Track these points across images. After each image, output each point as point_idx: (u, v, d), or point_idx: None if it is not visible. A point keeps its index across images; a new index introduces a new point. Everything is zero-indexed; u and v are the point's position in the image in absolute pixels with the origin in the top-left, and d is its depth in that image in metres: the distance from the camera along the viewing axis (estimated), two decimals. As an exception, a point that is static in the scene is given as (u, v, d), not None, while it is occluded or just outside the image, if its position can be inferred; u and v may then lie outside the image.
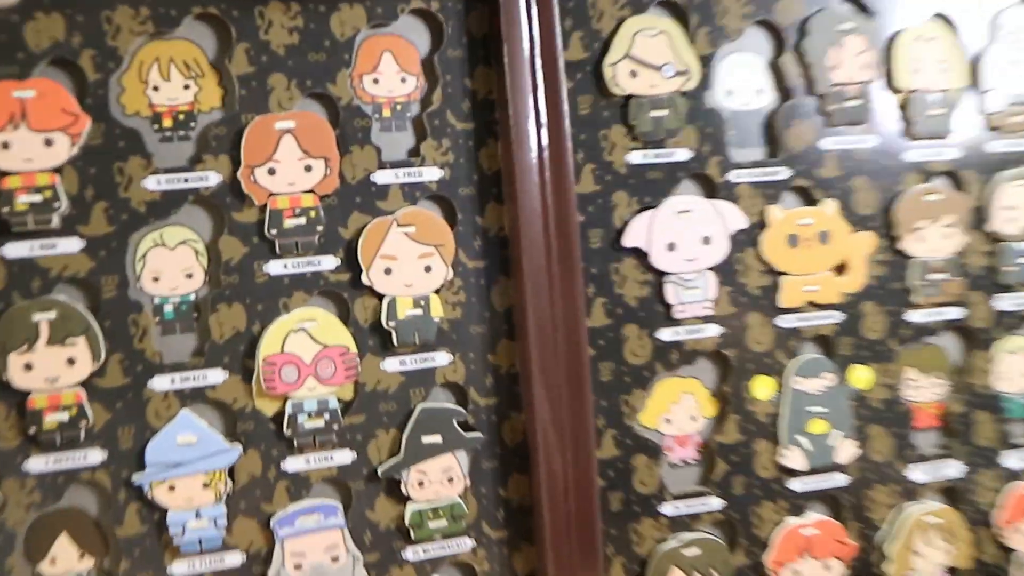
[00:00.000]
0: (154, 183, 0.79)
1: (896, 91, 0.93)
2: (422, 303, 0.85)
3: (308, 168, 0.82)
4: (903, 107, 0.93)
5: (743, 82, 0.92)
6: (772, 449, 0.92)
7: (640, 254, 0.89)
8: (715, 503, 0.91)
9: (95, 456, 0.78)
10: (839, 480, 0.92)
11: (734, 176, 0.90)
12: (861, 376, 0.92)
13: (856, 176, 0.92)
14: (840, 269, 0.92)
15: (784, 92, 0.92)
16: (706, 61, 0.90)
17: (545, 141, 0.85)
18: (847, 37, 0.91)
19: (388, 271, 0.84)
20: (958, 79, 0.95)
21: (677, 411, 0.91)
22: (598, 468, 0.88)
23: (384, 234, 0.84)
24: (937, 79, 0.94)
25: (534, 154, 0.84)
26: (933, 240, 0.93)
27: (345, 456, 0.83)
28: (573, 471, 0.86)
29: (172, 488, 0.79)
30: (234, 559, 0.81)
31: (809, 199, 0.92)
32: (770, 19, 0.91)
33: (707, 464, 0.92)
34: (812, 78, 0.91)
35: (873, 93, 0.93)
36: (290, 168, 0.81)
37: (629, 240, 0.88)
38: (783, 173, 0.91)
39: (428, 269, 0.85)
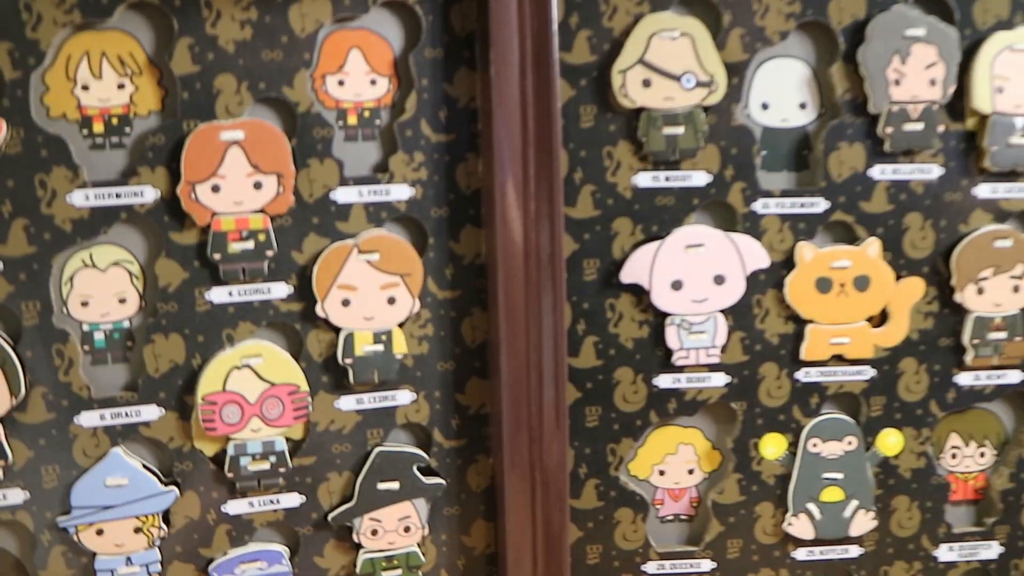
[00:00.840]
0: (82, 198, 0.70)
1: (972, 113, 0.77)
2: (383, 338, 0.75)
3: (258, 185, 0.72)
4: (979, 133, 0.77)
5: (782, 94, 0.77)
6: (776, 514, 0.81)
7: (640, 291, 0.77)
8: (706, 566, 0.82)
9: (16, 496, 0.72)
10: (852, 553, 0.82)
11: (760, 206, 0.77)
12: (891, 442, 0.80)
13: (910, 213, 0.77)
14: (879, 320, 0.79)
15: (831, 108, 0.77)
16: (737, 69, 0.75)
17: (533, 158, 0.73)
18: (915, 45, 0.74)
19: (346, 303, 0.74)
20: (1054, 101, 0.78)
21: (673, 462, 0.82)
22: (575, 518, 0.80)
23: (343, 261, 0.74)
24: (1022, 100, 0.77)
25: (519, 173, 0.73)
26: (997, 293, 0.78)
27: (292, 500, 0.77)
28: (544, 521, 0.78)
29: (100, 532, 0.74)
30: (168, 607, 0.76)
31: (849, 237, 0.78)
32: (821, 20, 0.75)
33: (701, 522, 0.83)
34: (867, 93, 0.75)
35: (942, 114, 0.77)
36: (237, 185, 0.71)
37: (628, 275, 0.77)
38: (820, 205, 0.77)
39: (392, 301, 0.75)
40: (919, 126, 0.76)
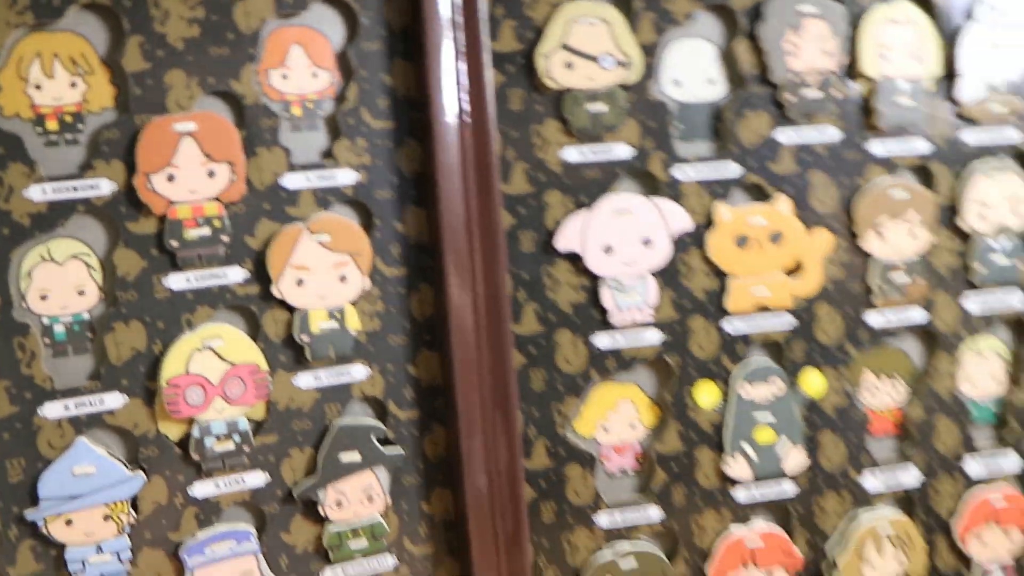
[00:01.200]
0: (39, 193, 0.72)
1: (862, 78, 0.85)
2: (337, 315, 0.79)
3: (211, 173, 0.75)
4: (868, 96, 0.85)
5: (692, 71, 0.84)
6: (715, 458, 0.87)
7: (575, 258, 0.83)
8: (654, 513, 0.87)
9: (-19, 491, 0.74)
10: (786, 489, 0.88)
11: (679, 173, 0.84)
12: (814, 382, 0.87)
13: (814, 171, 0.85)
14: (794, 271, 0.86)
15: (737, 82, 0.84)
16: (650, 50, 0.82)
17: (469, 140, 0.78)
18: (807, 20, 0.83)
19: (300, 282, 0.78)
20: (931, 66, 0.87)
21: (615, 419, 0.87)
22: (528, 479, 0.85)
23: (295, 243, 0.77)
24: (907, 66, 0.86)
25: (457, 155, 0.78)
26: (896, 239, 0.87)
27: (257, 478, 0.79)
28: (499, 483, 0.82)
29: (69, 522, 0.74)
30: (140, 592, 0.78)
31: (762, 197, 0.85)
32: (722, 2, 0.83)
33: (646, 474, 0.88)
34: (767, 66, 0.83)
35: (835, 82, 0.85)
36: (191, 174, 0.75)
37: (562, 243, 0.82)
38: (733, 169, 0.84)
39: (343, 279, 0.79)
40: (816, 93, 0.84)
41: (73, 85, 0.74)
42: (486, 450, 0.81)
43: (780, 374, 0.86)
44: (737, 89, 0.84)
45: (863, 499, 0.90)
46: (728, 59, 0.84)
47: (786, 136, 0.85)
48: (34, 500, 0.74)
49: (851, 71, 0.85)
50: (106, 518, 0.76)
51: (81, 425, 0.75)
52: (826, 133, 0.85)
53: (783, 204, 0.84)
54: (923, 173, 0.89)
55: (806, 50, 0.83)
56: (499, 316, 0.80)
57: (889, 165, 0.87)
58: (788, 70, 0.83)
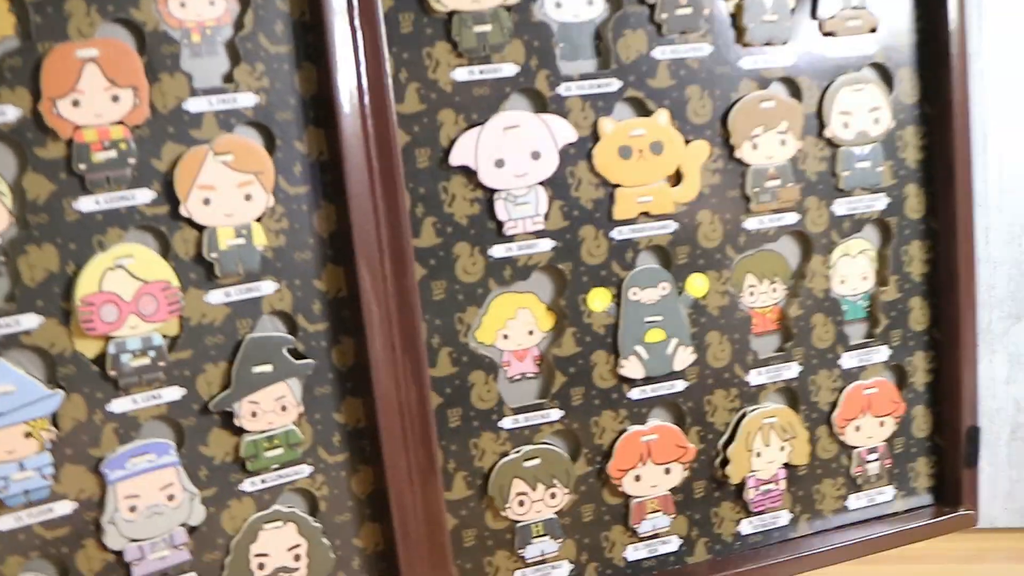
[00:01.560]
0: (-55, 121, 0.75)
1: (729, -3, 0.92)
2: (244, 232, 0.83)
3: (115, 98, 0.78)
4: (736, 14, 0.92)
5: (570, -8, 0.90)
6: (610, 360, 0.93)
7: (469, 172, 0.88)
8: (555, 415, 0.92)
9: (-98, 409, 0.76)
10: (678, 387, 0.95)
11: (564, 90, 0.89)
12: (698, 285, 0.93)
13: (689, 85, 0.91)
14: (675, 179, 0.92)
15: (614, 2, 0.90)
16: (530, -29, 0.87)
17: (364, 62, 0.82)
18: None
19: (207, 201, 0.81)
20: (792, -19, 0.94)
21: (514, 326, 0.92)
22: (434, 386, 0.90)
23: (200, 164, 0.81)
24: (770, -17, 0.92)
25: (352, 76, 0.82)
26: (768, 147, 0.93)
27: (174, 393, 0.82)
28: (407, 391, 0.87)
29: (-10, 439, 0.78)
30: (64, 508, 0.80)
31: (642, 110, 0.91)
32: (596, -76, 0.89)
33: (546, 377, 0.93)
34: (642, -15, 0.89)
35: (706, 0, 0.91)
36: (95, 99, 0.78)
37: (456, 158, 0.87)
38: (614, 85, 0.90)
39: (248, 197, 0.83)
40: (688, 11, 0.90)
41: (-27, 15, 0.76)
42: (393, 359, 0.86)
43: (667, 278, 0.92)
44: (615, 9, 0.90)
45: (749, 394, 0.97)
46: (605, -20, 0.90)
47: (663, 53, 0.91)
48: (-46, 417, 0.77)
49: (719, -10, 0.92)
50: (27, 435, 0.78)
51: (-1, 346, 0.78)
52: (700, 49, 0.91)
53: (662, 116, 0.90)
54: (790, 85, 0.95)
55: (677, -31, 0.90)
56: (399, 230, 0.85)
57: (759, 78, 0.94)
58: (661, -11, 0.89)
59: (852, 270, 0.98)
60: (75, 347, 0.80)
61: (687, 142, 0.91)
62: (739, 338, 0.96)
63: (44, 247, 0.78)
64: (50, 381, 0.79)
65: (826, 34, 0.94)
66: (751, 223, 0.94)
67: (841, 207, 0.97)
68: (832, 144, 0.96)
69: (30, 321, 0.78)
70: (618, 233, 0.91)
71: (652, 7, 0.89)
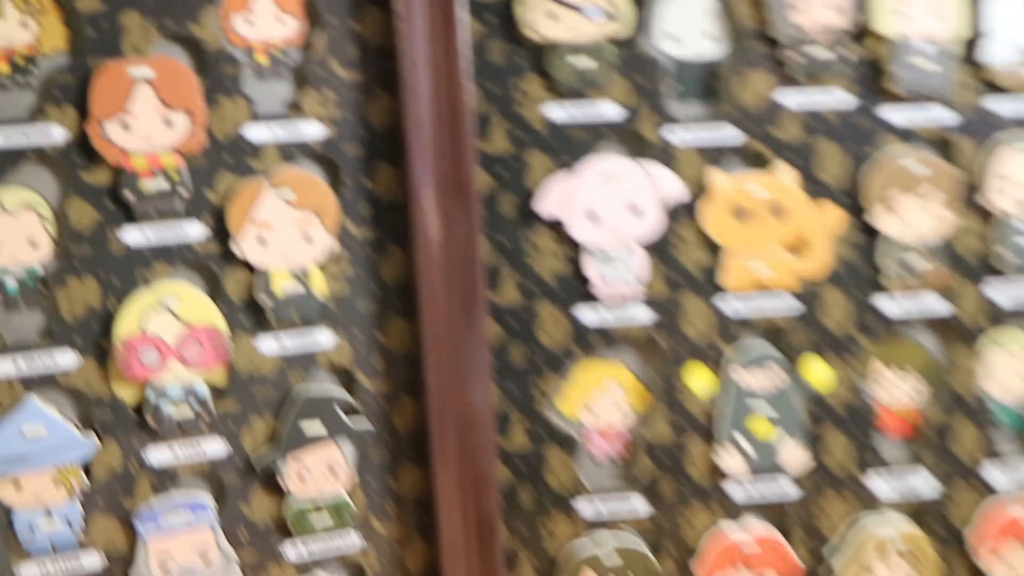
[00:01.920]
0: (-13, 139, 0.70)
1: (875, 37, 0.78)
2: (301, 276, 0.75)
3: (169, 122, 0.72)
4: (883, 58, 0.78)
5: (688, 25, 0.78)
6: (706, 448, 0.81)
7: (558, 225, 0.78)
8: (638, 503, 0.81)
9: (-75, 447, 0.71)
10: (782, 485, 0.82)
11: (671, 135, 0.78)
12: (816, 371, 0.81)
13: (821, 139, 0.79)
14: (797, 248, 0.80)
15: (737, 38, 0.78)
16: (643, 2, 0.76)
17: (443, 94, 0.74)
18: (817, -29, 0.77)
19: (262, 240, 0.74)
20: (953, 24, 0.79)
21: (600, 399, 0.81)
22: (504, 459, 0.80)
23: (257, 198, 0.74)
24: (926, 24, 0.78)
25: (429, 108, 0.73)
26: (912, 217, 0.79)
27: (216, 446, 0.75)
28: (473, 462, 0.77)
29: (18, 485, 0.72)
30: (92, 561, 0.74)
31: (764, 165, 0.79)
32: (723, -51, 0.77)
33: (632, 460, 0.82)
34: (770, 21, 0.77)
35: (846, 40, 0.78)
36: (147, 122, 0.71)
37: (544, 208, 0.77)
38: (732, 134, 0.78)
39: (308, 238, 0.75)
40: (825, 52, 0.77)
41: (24, 25, 0.71)
42: (459, 426, 0.77)
43: (780, 361, 0.80)
44: (737, 46, 0.78)
45: (869, 503, 0.83)
46: (727, 13, 0.78)
47: (790, 99, 0.78)
48: (-20, 459, 0.72)
49: (864, 29, 0.78)
50: (56, 482, 0.73)
51: (32, 384, 0.72)
52: (835, 97, 0.79)
53: (786, 174, 0.78)
54: (943, 145, 0.81)
55: (813, 4, 0.77)
56: (474, 284, 0.76)
57: (905, 135, 0.80)
58: (792, 25, 0.76)
59: (1007, 367, 0.83)
60: (113, 390, 0.74)
61: (814, 205, 0.79)
62: (861, 436, 0.82)
63: (85, 280, 0.72)
64: (85, 424, 0.74)
65: (992, 87, 0.80)
66: (886, 304, 0.81)
67: (996, 291, 0.82)
68: (988, 215, 0.81)
69: (66, 359, 0.72)
70: (726, 305, 0.80)
71: (782, 46, 0.77)
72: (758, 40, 0.77)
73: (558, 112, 0.77)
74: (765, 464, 0.81)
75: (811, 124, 0.78)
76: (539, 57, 0.76)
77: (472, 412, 0.77)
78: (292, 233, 0.74)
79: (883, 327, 0.81)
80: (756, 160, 0.79)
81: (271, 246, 0.74)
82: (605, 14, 0.75)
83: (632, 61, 0.77)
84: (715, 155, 0.78)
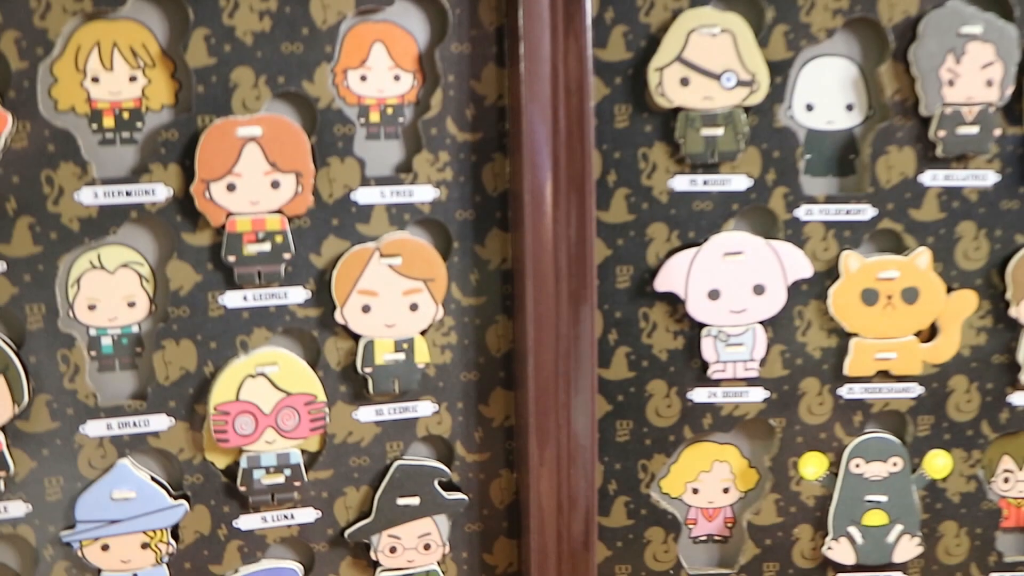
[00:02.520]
0: (90, 196, 0.66)
1: (1028, 116, 0.73)
2: (404, 346, 0.71)
3: (275, 184, 0.68)
4: (1035, 138, 0.73)
5: (828, 95, 0.73)
6: (815, 537, 0.77)
7: (676, 300, 0.73)
8: (740, 588, 0.78)
9: (17, 509, 0.68)
10: (894, 579, 0.78)
11: (803, 213, 0.73)
12: (938, 464, 0.76)
13: (963, 221, 0.73)
14: (928, 334, 0.75)
15: (880, 110, 0.73)
16: (780, 68, 0.71)
17: (564, 159, 0.69)
18: (970, 44, 0.70)
19: (366, 308, 0.70)
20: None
21: (707, 480, 0.77)
22: (603, 537, 0.77)
23: (364, 265, 0.70)
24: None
25: (549, 174, 0.69)
26: (1055, 308, 0.74)
27: (308, 515, 0.73)
28: (570, 539, 0.74)
29: (106, 547, 0.70)
30: (178, 624, 0.72)
31: (899, 247, 0.74)
32: (870, 16, 0.71)
33: (736, 544, 0.79)
34: (918, 94, 0.71)
35: (998, 117, 0.72)
36: (253, 184, 0.68)
37: (662, 283, 0.73)
38: (868, 212, 0.73)
39: (414, 307, 0.71)
40: (974, 129, 0.72)
41: (133, 79, 0.67)
42: (558, 503, 0.74)
43: (901, 452, 0.75)
44: (880, 120, 0.72)
45: (986, 602, 0.79)
46: (872, 84, 0.73)
47: (933, 178, 0.73)
48: (71, 521, 0.69)
49: (1019, 106, 0.72)
50: (144, 546, 0.71)
51: (124, 446, 0.70)
52: (982, 178, 0.73)
53: (923, 258, 0.73)
54: (1095, 231, 0.76)
55: (965, 78, 0.71)
56: (584, 358, 0.72)
57: (1055, 220, 0.75)
58: (944, 102, 0.71)
59: None
60: (205, 455, 0.71)
61: (950, 291, 0.74)
62: (982, 533, 0.78)
63: (182, 343, 0.69)
64: (175, 488, 0.71)
65: None
66: (1019, 397, 0.76)
67: None
68: None
69: (160, 422, 0.70)
70: (848, 391, 0.75)
71: (926, 120, 0.72)
72: (902, 114, 0.72)
73: (684, 182, 0.72)
74: (876, 555, 0.76)
75: (953, 205, 0.73)
76: (667, 124, 0.71)
77: (573, 488, 0.74)
78: (398, 302, 0.71)
79: (1015, 422, 0.77)
80: (892, 241, 0.74)
81: (375, 314, 0.70)
82: (740, 81, 0.70)
83: (765, 131, 0.71)
84: (848, 233, 0.73)
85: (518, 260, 0.72)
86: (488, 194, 0.72)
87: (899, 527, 0.76)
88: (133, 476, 0.70)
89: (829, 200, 0.73)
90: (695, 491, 0.78)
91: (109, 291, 0.69)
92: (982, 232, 0.73)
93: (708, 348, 0.74)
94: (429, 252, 0.71)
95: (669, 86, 0.70)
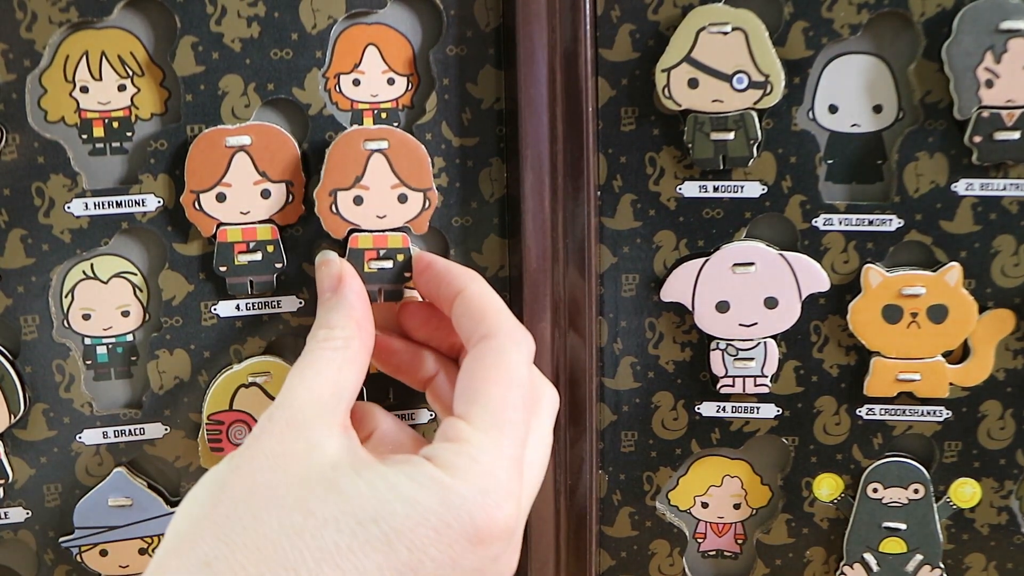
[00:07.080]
0: (81, 207, 0.66)
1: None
2: (399, 355, 0.70)
3: (266, 193, 0.66)
4: (1082, 144, 0.66)
5: (853, 96, 0.67)
6: (828, 561, 0.74)
7: (683, 311, 0.70)
8: (749, 605, 0.75)
9: (17, 515, 0.69)
10: (915, 610, 0.74)
11: (822, 222, 0.68)
12: (966, 493, 0.71)
13: (1000, 235, 0.67)
14: (959, 355, 0.70)
15: (910, 113, 0.67)
16: (799, 67, 0.65)
17: (564, 164, 0.66)
18: (1012, 41, 0.64)
19: (360, 319, 0.69)
20: None
21: (718, 494, 0.74)
22: (607, 547, 0.75)
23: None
24: None
25: (548, 180, 0.66)
26: (1100, 328, 0.68)
27: (308, 521, 0.73)
28: (567, 547, 0.73)
29: (104, 553, 0.71)
30: (176, 628, 0.73)
31: (928, 261, 0.68)
32: (900, 10, 0.65)
33: (745, 562, 0.76)
34: (953, 96, 0.65)
35: (1039, 122, 0.66)
36: (244, 193, 0.66)
37: (669, 293, 0.69)
38: (893, 223, 0.67)
39: (409, 316, 0.69)
40: (1014, 135, 0.65)
41: (121, 88, 0.66)
42: (556, 509, 0.72)
43: (924, 479, 0.71)
44: (909, 124, 0.67)
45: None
46: (901, 84, 0.67)
47: (968, 187, 0.67)
48: (70, 527, 0.70)
49: (1063, 111, 0.66)
50: (142, 551, 0.71)
51: (120, 453, 0.70)
52: (1022, 187, 0.67)
53: (953, 273, 0.67)
54: None
55: (1006, 79, 0.64)
56: (585, 365, 0.70)
57: (1102, 234, 0.68)
58: (981, 105, 0.65)
59: None
60: (201, 462, 0.71)
61: (983, 310, 0.68)
62: (1012, 569, 0.73)
63: (176, 353, 0.69)
64: (172, 494, 0.71)
65: None
66: (1056, 424, 0.71)
67: None
68: None
69: (155, 430, 0.70)
70: (867, 412, 0.71)
71: (961, 125, 0.66)
72: (934, 117, 0.66)
73: (693, 188, 0.68)
74: (895, 582, 0.73)
75: (990, 217, 0.67)
76: (675, 127, 0.67)
77: (573, 496, 0.72)
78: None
79: (1051, 448, 0.71)
80: (920, 254, 0.69)
81: (370, 324, 0.69)
82: (752, 82, 0.65)
83: (782, 135, 0.67)
84: (870, 245, 0.68)
85: (516, 268, 0.69)
86: (485, 200, 0.69)
87: (919, 557, 0.72)
88: (129, 484, 0.70)
89: (851, 209, 0.68)
90: (704, 505, 0.75)
91: (103, 301, 0.68)
92: (1021, 246, 0.67)
93: (716, 361, 0.70)
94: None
95: (677, 88, 0.66)
